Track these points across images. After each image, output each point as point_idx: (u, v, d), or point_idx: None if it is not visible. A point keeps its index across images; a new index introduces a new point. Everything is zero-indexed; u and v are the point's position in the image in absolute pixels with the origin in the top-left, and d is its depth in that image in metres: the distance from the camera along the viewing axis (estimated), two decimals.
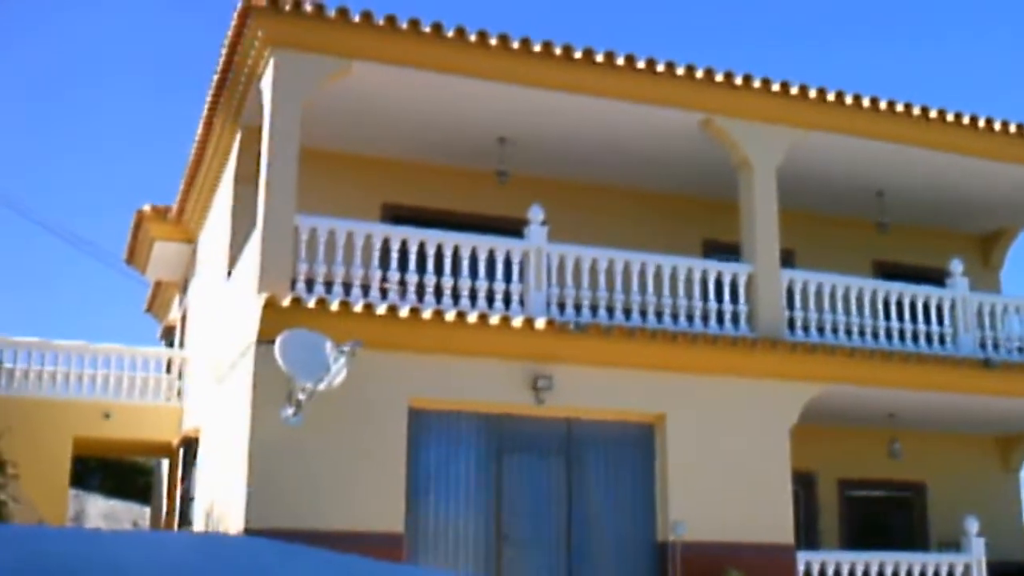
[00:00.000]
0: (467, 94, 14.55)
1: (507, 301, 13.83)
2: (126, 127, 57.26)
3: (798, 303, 15.34)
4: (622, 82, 14.67)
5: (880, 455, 17.73)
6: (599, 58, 14.43)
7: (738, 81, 15.10)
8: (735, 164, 15.51)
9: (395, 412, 12.81)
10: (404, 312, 12.86)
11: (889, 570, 14.88)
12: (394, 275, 13.40)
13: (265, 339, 12.20)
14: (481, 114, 15.10)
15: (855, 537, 17.88)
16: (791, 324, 15.28)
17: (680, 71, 14.79)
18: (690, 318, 14.72)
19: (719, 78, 15.02)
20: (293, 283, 12.82)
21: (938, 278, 16.96)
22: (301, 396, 11.83)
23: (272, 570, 4.27)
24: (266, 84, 13.49)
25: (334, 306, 12.60)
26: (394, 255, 13.45)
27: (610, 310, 14.33)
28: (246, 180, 14.61)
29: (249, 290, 13.02)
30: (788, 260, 16.31)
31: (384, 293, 13.37)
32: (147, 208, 20.30)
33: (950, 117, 16.31)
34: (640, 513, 13.94)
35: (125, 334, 53.60)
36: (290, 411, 11.91)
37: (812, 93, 15.52)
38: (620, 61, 14.53)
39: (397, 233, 13.59)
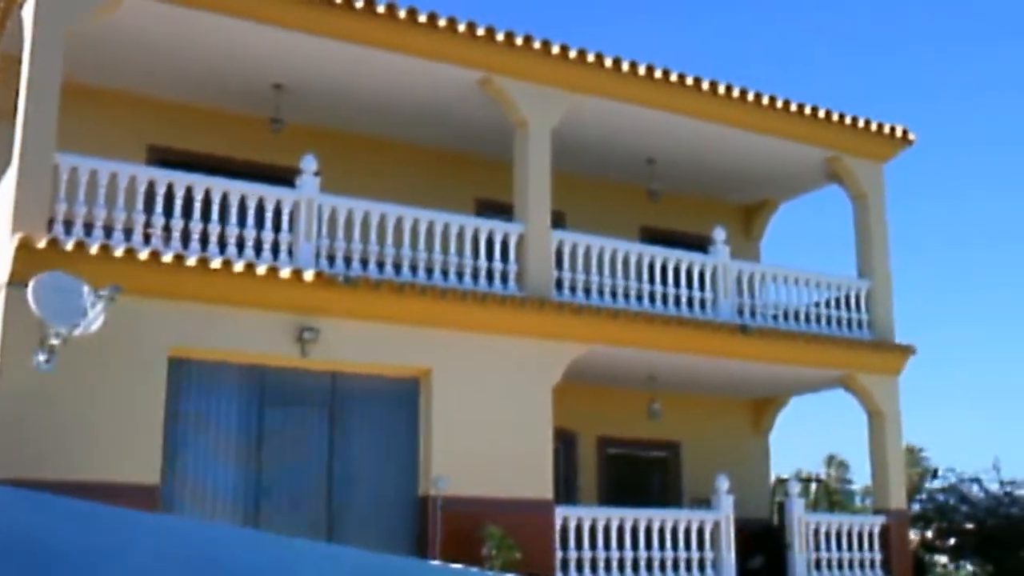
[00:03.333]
0: (242, 37, 14.36)
1: (275, 251, 13.78)
2: None
3: (567, 264, 15.79)
4: (402, 35, 14.74)
5: (639, 415, 18.48)
6: (380, 9, 14.46)
7: (518, 41, 15.38)
8: (511, 124, 15.81)
9: (154, 361, 12.64)
10: (167, 258, 12.68)
11: (643, 525, 15.58)
12: (158, 220, 13.17)
13: (17, 281, 11.83)
14: (256, 58, 14.92)
15: (613, 494, 18.59)
16: (559, 284, 15.72)
17: (461, 28, 14.96)
18: (460, 275, 14.97)
19: (499, 37, 15.27)
20: (51, 224, 12.46)
21: (702, 245, 17.70)
22: (55, 341, 11.52)
23: (15, 519, 4.24)
24: (27, 12, 12.99)
25: (93, 249, 12.31)
26: (159, 199, 13.22)
27: (380, 264, 14.46)
28: (5, 115, 14.04)
29: (2, 230, 12.57)
30: (559, 222, 16.75)
31: (147, 238, 13.12)
32: None
33: (720, 89, 17.03)
34: (403, 468, 14.19)
35: None
36: (42, 357, 11.58)
37: (590, 58, 15.94)
38: (402, 14, 14.59)
39: (163, 176, 13.34)
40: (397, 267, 14.63)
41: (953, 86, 75.39)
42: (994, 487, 23.22)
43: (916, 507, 23.06)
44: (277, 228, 13.87)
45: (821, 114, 18.12)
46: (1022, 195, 74.91)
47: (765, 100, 17.49)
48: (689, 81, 16.74)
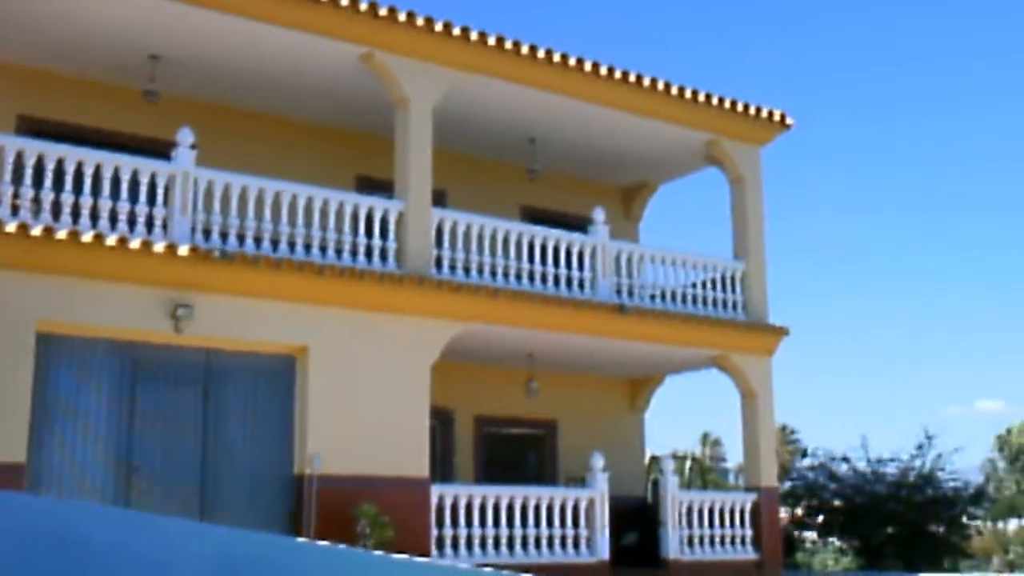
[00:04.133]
0: (118, 6, 14.10)
1: (150, 225, 13.60)
2: None
3: (447, 242, 15.86)
4: (284, 8, 14.62)
5: (517, 393, 18.66)
6: None
7: (401, 17, 15.36)
8: (393, 101, 15.79)
9: (21, 336, 12.41)
10: (37, 231, 12.43)
11: (518, 503, 15.77)
12: (28, 191, 12.89)
13: None
14: (132, 28, 14.65)
15: (490, 472, 18.76)
16: (438, 262, 15.79)
17: (344, 2, 14.88)
18: (339, 252, 14.94)
19: (382, 12, 15.22)
20: None
21: (582, 226, 17.90)
22: None
23: None
24: None
25: None
26: (28, 170, 12.93)
27: (258, 240, 14.37)
28: None
29: None
30: (439, 200, 16.80)
31: (16, 210, 12.84)
32: None
33: (603, 71, 17.22)
34: (279, 446, 14.15)
35: None
36: None
37: (473, 36, 15.99)
38: None
39: (33, 147, 13.06)
40: (275, 243, 14.54)
41: (829, 64, 77.17)
42: (861, 465, 24.00)
43: (787, 485, 23.72)
44: (152, 201, 13.69)
45: (701, 98, 18.43)
46: (896, 170, 77.03)
47: (646, 82, 17.73)
48: (572, 62, 16.90)
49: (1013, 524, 43.94)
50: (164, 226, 13.61)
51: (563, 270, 16.95)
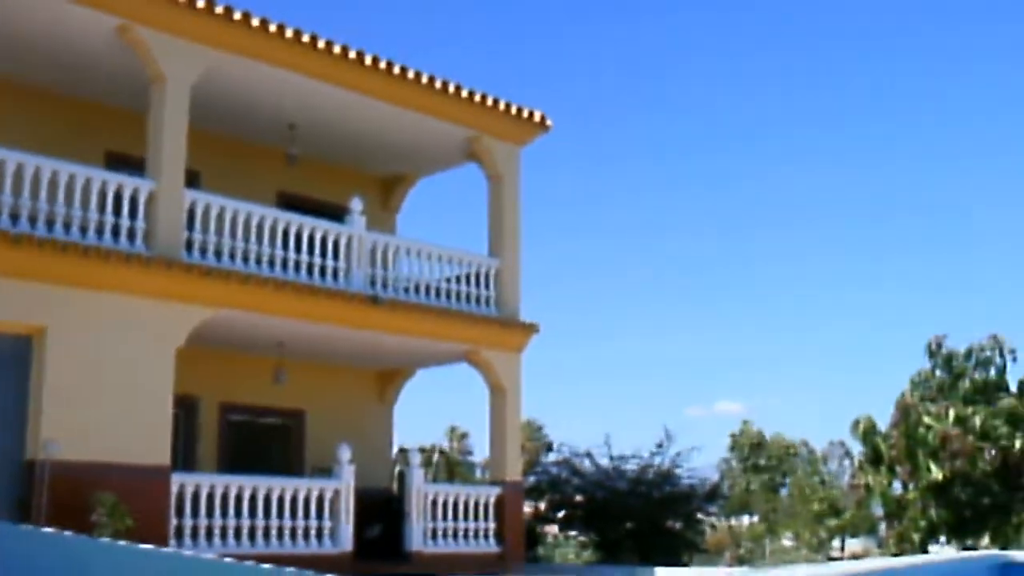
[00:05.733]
0: None
1: None
2: None
3: (199, 225, 15.63)
4: None
5: (266, 382, 18.53)
6: None
7: None
8: (149, 77, 15.44)
9: None
10: None
11: (262, 493, 15.72)
12: None
13: None
14: None
15: (235, 461, 18.57)
16: (189, 245, 15.55)
17: None
18: (84, 230, 14.52)
19: None
20: None
21: (340, 215, 17.91)
22: None
23: None
24: None
25: None
26: None
27: None
28: None
29: None
30: (193, 181, 16.54)
31: None
32: None
33: (367, 60, 17.31)
34: (9, 431, 13.66)
35: None
36: None
37: (236, 15, 15.81)
38: None
39: None
40: (14, 217, 14.00)
41: (589, 71, 79.25)
42: (604, 462, 24.85)
43: (531, 480, 24.33)
44: None
45: (464, 93, 18.73)
46: (639, 170, 79.69)
47: (410, 74, 17.91)
48: (336, 49, 16.90)
49: (745, 520, 46.28)
50: None
51: (317, 259, 16.94)
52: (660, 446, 24.89)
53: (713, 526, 30.34)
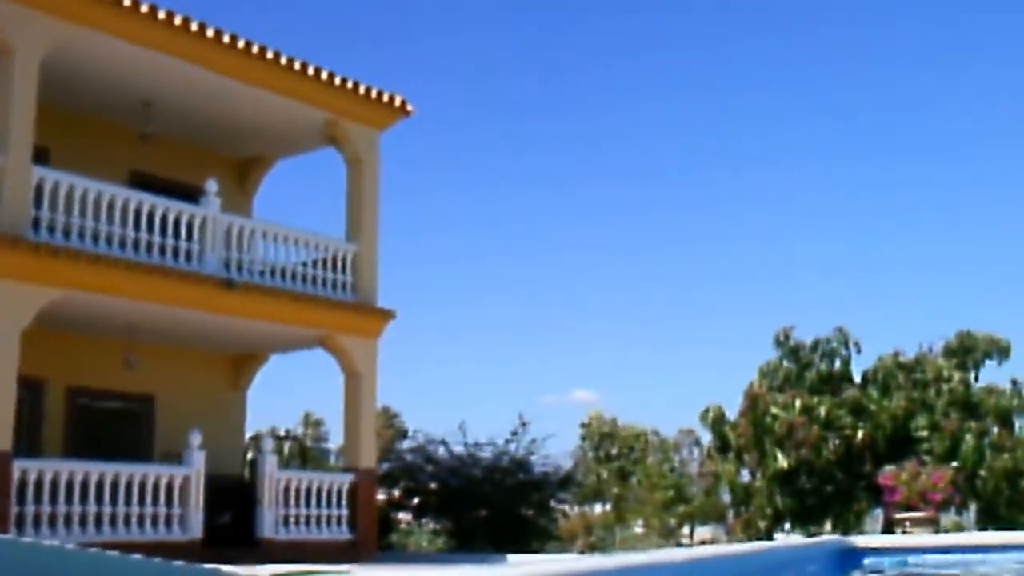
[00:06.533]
0: None
1: None
2: None
3: (47, 203, 15.21)
4: None
5: (115, 365, 18.13)
6: None
7: None
8: None
9: None
10: None
11: (109, 480, 15.41)
12: None
13: None
14: None
15: (83, 447, 18.12)
16: (36, 224, 15.13)
17: None
18: None
19: None
20: None
21: (195, 196, 17.62)
22: None
23: None
24: None
25: None
26: None
27: None
28: None
29: None
30: (41, 157, 16.07)
31: None
32: None
33: (225, 39, 17.09)
34: None
35: None
36: None
37: None
38: None
39: None
40: None
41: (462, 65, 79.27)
42: (459, 449, 24.95)
43: (386, 467, 24.29)
44: None
45: (324, 76, 18.59)
46: (505, 177, 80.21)
47: (269, 55, 17.73)
48: (194, 27, 16.65)
49: (598, 508, 46.90)
50: None
51: (171, 240, 16.64)
52: (515, 434, 25.12)
53: (565, 514, 30.66)
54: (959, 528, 26.94)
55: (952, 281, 70.95)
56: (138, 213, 16.39)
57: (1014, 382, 27.44)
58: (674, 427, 53.11)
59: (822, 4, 69.49)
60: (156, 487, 15.98)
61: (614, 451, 48.24)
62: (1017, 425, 27.20)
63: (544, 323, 79.42)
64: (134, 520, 15.66)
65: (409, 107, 20.02)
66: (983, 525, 25.73)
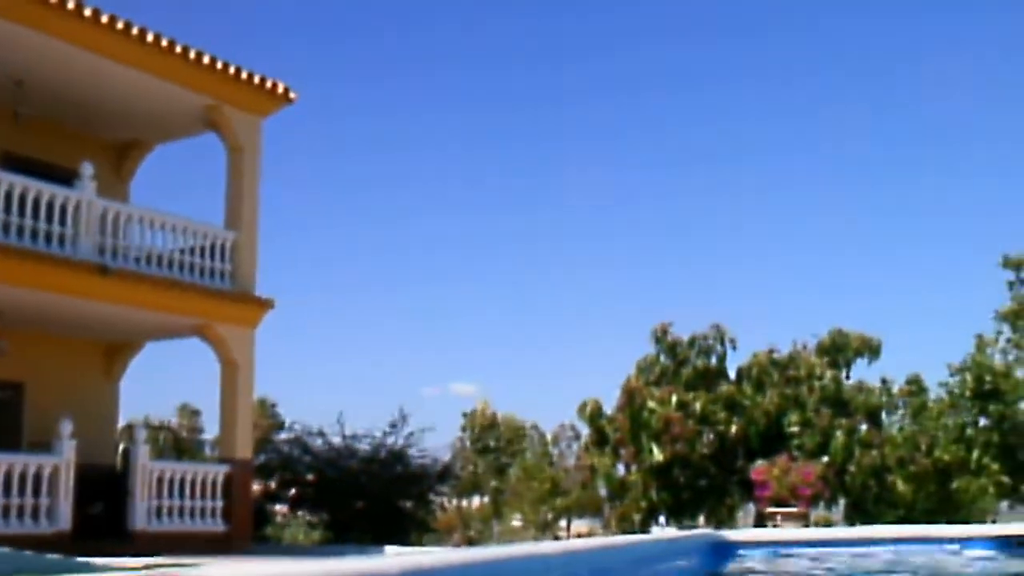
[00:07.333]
0: None
1: None
2: None
3: None
4: None
5: None
6: None
7: None
8: None
9: None
10: None
11: None
12: None
13: None
14: None
15: None
16: None
17: None
18: None
19: None
20: None
21: (70, 179, 17.20)
22: None
23: None
24: None
25: None
26: None
27: None
28: None
29: None
30: None
31: None
32: None
33: (103, 18, 16.71)
34: None
35: None
36: None
37: None
38: None
39: None
40: None
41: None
42: (337, 440, 24.79)
43: (262, 458, 24.04)
44: None
45: (205, 60, 18.31)
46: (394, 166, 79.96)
47: (149, 37, 17.40)
48: (70, 4, 16.22)
49: (476, 501, 47.06)
50: None
51: (43, 224, 16.23)
52: (394, 426, 25.04)
53: (443, 506, 30.69)
54: (828, 523, 27.62)
55: (827, 279, 72.74)
56: (9, 196, 15.95)
57: (883, 380, 28.22)
58: (553, 421, 53.51)
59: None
60: (23, 477, 15.58)
61: (492, 443, 48.43)
62: (885, 422, 27.99)
63: (424, 316, 79.37)
64: None
65: (292, 94, 19.80)
66: (851, 520, 26.39)
